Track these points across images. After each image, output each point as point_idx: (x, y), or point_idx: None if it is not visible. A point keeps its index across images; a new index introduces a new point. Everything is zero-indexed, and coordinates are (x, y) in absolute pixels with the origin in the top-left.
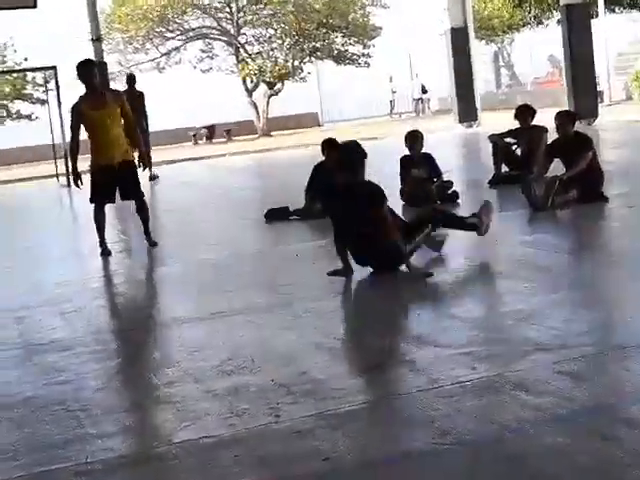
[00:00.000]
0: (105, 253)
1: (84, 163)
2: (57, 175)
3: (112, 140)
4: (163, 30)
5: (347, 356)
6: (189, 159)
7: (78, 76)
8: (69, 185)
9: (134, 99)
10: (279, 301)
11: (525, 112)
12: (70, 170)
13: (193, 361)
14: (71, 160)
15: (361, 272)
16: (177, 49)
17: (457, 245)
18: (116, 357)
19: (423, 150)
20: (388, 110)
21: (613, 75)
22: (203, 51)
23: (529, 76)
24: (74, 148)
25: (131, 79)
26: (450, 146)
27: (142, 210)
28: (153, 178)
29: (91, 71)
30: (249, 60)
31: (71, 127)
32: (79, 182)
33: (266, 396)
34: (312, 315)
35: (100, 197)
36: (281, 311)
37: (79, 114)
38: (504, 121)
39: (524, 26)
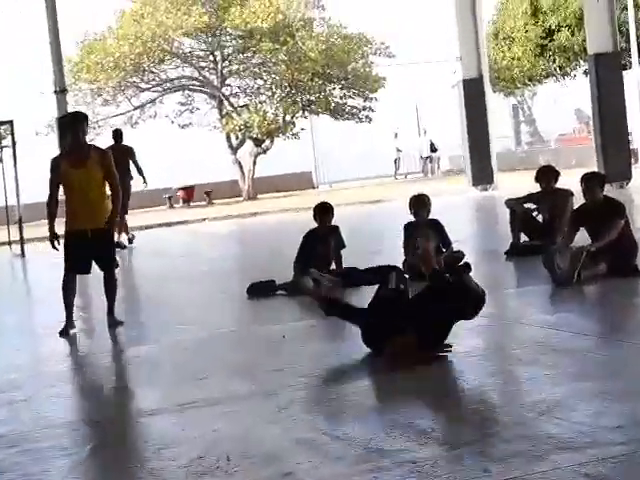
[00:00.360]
0: (65, 332)
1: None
2: (10, 243)
3: (90, 203)
4: (137, 80)
5: (338, 455)
6: (164, 224)
7: (67, 125)
8: (23, 255)
9: (121, 156)
10: (261, 390)
11: (548, 174)
12: (48, 230)
13: (159, 460)
14: (48, 219)
15: (360, 353)
16: (153, 101)
17: (470, 325)
18: (70, 455)
19: (430, 216)
20: (392, 170)
21: None
22: (182, 104)
23: (553, 133)
24: (52, 206)
25: (117, 135)
26: (462, 212)
27: (110, 284)
28: (130, 242)
29: (81, 124)
30: (234, 114)
31: (50, 183)
32: (56, 243)
33: None
34: (299, 406)
35: (73, 265)
36: (263, 401)
37: (58, 170)
38: (524, 184)
39: (547, 77)
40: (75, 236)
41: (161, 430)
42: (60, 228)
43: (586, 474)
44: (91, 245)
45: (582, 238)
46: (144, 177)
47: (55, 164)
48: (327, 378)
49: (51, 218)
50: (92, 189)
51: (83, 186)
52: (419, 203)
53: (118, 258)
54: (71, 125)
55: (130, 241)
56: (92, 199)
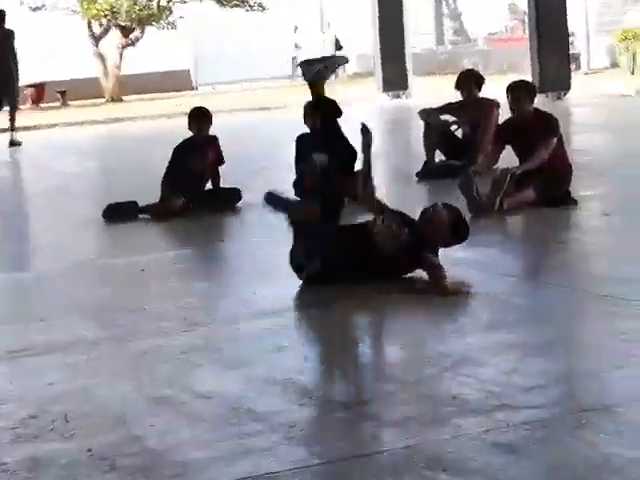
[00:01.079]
0: None
1: None
2: None
3: None
4: None
5: (200, 417)
6: (5, 129)
7: None
8: None
9: (3, 40)
10: (110, 335)
11: (470, 80)
12: None
13: None
14: None
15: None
16: None
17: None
18: None
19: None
20: (290, 71)
21: (594, 34)
22: None
23: (482, 30)
24: None
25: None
26: (369, 123)
27: None
28: (13, 144)
29: None
30: None
31: None
32: None
33: (79, 472)
34: (156, 356)
35: None
36: (112, 349)
37: None
38: (444, 91)
39: None
40: None
41: None
42: None
43: (493, 442)
44: None
45: (508, 158)
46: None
47: None
48: (192, 322)
49: None
50: None
51: None
52: (315, 111)
53: None
54: None
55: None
56: None
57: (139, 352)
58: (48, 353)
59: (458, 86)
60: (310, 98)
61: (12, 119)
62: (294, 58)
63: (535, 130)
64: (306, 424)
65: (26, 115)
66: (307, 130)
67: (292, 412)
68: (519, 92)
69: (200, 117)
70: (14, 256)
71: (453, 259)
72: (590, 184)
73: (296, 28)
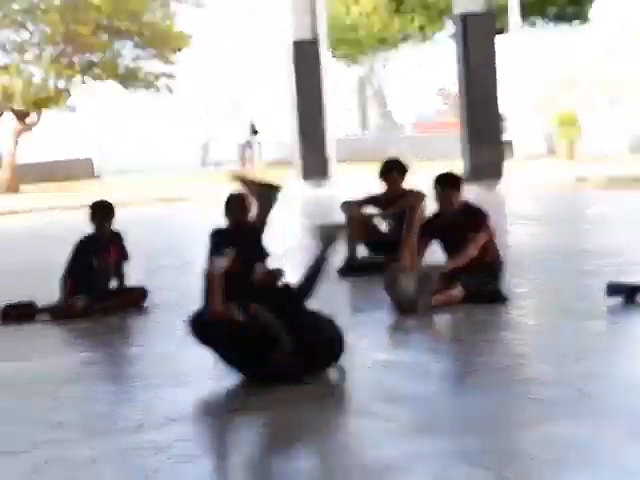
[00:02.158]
0: None
1: None
2: None
3: None
4: None
5: None
6: None
7: None
8: None
9: None
10: (9, 447)
11: (393, 170)
12: None
13: None
14: None
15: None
16: None
17: None
18: None
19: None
20: (200, 157)
21: (531, 116)
22: None
23: (410, 115)
24: None
25: None
26: (288, 214)
27: None
28: None
29: None
30: None
31: None
32: None
33: None
34: (58, 469)
35: None
36: (10, 462)
37: None
38: (371, 179)
39: (405, 40)
40: None
41: None
42: None
43: None
44: None
45: (435, 254)
46: None
47: None
48: (98, 431)
49: None
50: None
51: None
52: (235, 202)
53: None
54: None
55: None
56: None
57: (40, 463)
58: None
59: (381, 176)
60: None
61: None
62: (205, 145)
63: (463, 226)
64: None
65: None
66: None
67: None
68: (445, 186)
69: (102, 211)
70: None
71: (374, 360)
72: (522, 280)
73: (207, 110)
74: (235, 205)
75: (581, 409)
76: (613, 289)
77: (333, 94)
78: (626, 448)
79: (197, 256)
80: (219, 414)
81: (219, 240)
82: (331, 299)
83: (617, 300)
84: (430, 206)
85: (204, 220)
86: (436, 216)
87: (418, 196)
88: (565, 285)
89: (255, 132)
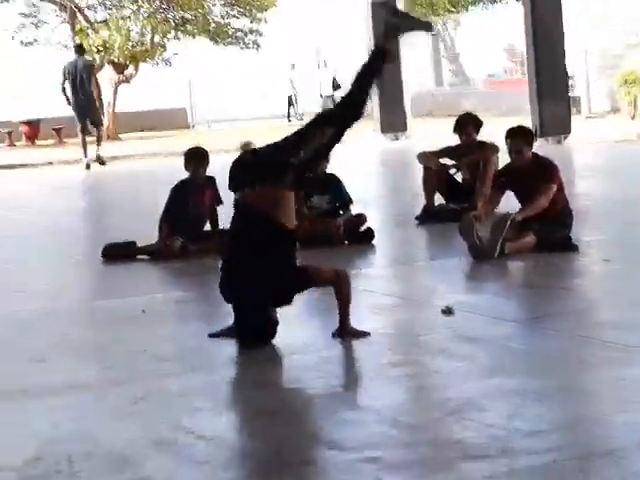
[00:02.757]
0: None
1: None
2: None
3: None
4: None
5: (204, 460)
6: (3, 167)
7: None
8: None
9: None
10: (113, 376)
11: (468, 124)
12: None
13: None
14: None
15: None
16: None
17: (364, 303)
18: None
19: (328, 170)
20: (285, 109)
21: (595, 77)
22: (25, 15)
23: (481, 72)
24: None
25: None
26: (366, 166)
27: None
28: (101, 162)
29: None
30: (90, 31)
31: None
32: None
33: None
34: (157, 399)
35: None
36: (115, 391)
37: None
38: (443, 133)
39: (474, 4)
40: None
41: None
42: None
43: None
44: None
45: (509, 202)
46: None
47: None
48: (194, 364)
49: None
50: None
51: None
52: None
53: None
54: None
55: None
56: None
57: (141, 393)
58: (49, 395)
59: (456, 130)
60: None
61: (98, 138)
62: (290, 97)
63: (534, 177)
64: (310, 466)
65: (22, 151)
66: None
67: (299, 454)
68: (518, 139)
69: (197, 158)
70: (12, 296)
71: (455, 303)
72: (591, 229)
73: (293, 66)
74: None
75: None
76: None
77: (409, 53)
78: None
79: None
80: (308, 352)
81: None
82: (410, 245)
83: None
84: (503, 158)
85: None
86: (508, 168)
87: (492, 148)
88: (631, 234)
89: (337, 87)
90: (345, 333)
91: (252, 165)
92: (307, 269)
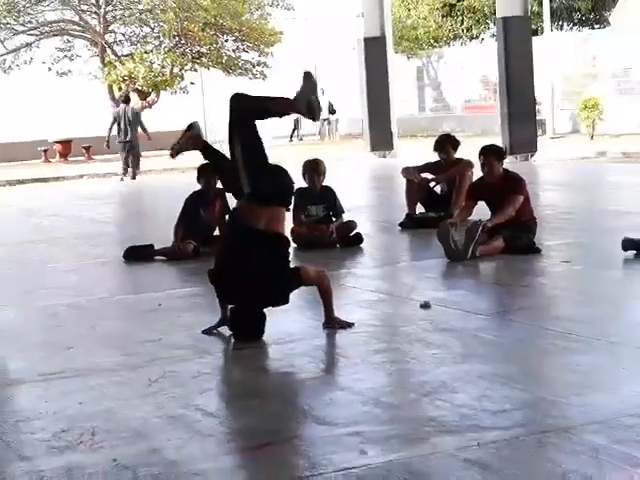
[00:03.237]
0: None
1: None
2: None
3: None
4: (11, 22)
5: (209, 433)
6: (39, 180)
7: None
8: None
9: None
10: (131, 362)
11: (446, 143)
12: None
13: (17, 433)
14: None
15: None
16: (28, 46)
17: (352, 298)
18: None
19: (324, 183)
20: (289, 131)
21: (559, 102)
22: (61, 50)
23: (459, 99)
24: None
25: None
26: (358, 179)
27: None
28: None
29: None
30: (117, 63)
31: None
32: None
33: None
34: (170, 380)
35: None
36: (133, 374)
37: None
38: (425, 151)
39: (454, 39)
40: None
41: (21, 402)
42: None
43: (465, 459)
44: None
45: (480, 211)
46: None
47: None
48: (203, 351)
49: None
50: None
51: None
52: (314, 168)
53: None
54: None
55: None
56: None
57: (155, 376)
58: (76, 377)
59: (436, 148)
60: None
61: (135, 164)
62: (295, 120)
63: (504, 189)
64: (301, 440)
65: (55, 167)
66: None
67: (291, 430)
68: (490, 156)
69: (209, 172)
70: (46, 292)
71: (432, 298)
72: (553, 235)
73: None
74: (308, 169)
75: (600, 343)
76: (628, 244)
77: (396, 81)
78: (638, 376)
79: None
80: (300, 341)
81: (301, 196)
82: (393, 248)
83: (631, 253)
84: (477, 173)
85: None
86: (481, 181)
87: (467, 164)
88: (589, 239)
89: (333, 111)
90: (331, 323)
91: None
92: (299, 270)
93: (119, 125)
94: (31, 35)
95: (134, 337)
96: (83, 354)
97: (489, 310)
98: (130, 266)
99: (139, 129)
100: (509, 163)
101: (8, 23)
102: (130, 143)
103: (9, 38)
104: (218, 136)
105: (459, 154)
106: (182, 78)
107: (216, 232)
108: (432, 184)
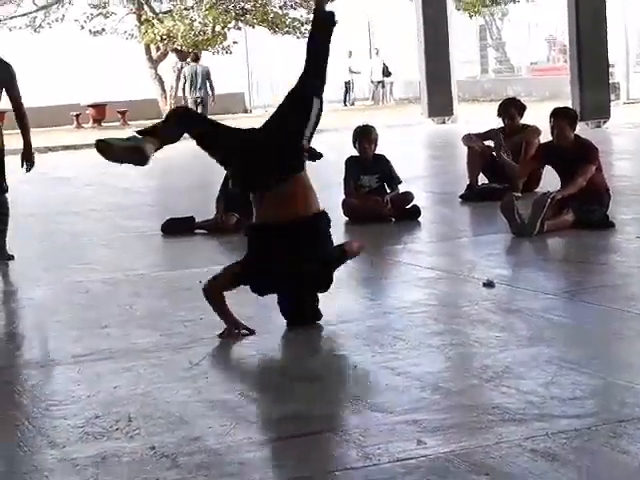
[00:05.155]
0: None
1: None
2: None
3: None
4: None
5: (254, 420)
6: (70, 147)
7: None
8: None
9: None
10: (170, 342)
11: (512, 108)
12: None
13: (49, 418)
14: None
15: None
16: (60, 2)
17: (409, 276)
18: None
19: (377, 151)
20: (341, 95)
21: (633, 65)
22: (94, 6)
23: (525, 60)
24: None
25: None
26: (414, 146)
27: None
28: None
29: None
30: (155, 21)
31: None
32: None
33: (143, 469)
34: (213, 363)
35: None
36: (172, 356)
37: None
38: (488, 117)
39: None
40: None
41: (53, 384)
42: None
43: (532, 449)
44: None
45: (549, 182)
46: None
47: None
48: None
49: None
50: None
51: None
52: (365, 135)
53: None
54: None
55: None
56: None
57: (196, 359)
58: (111, 359)
59: (500, 114)
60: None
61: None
62: (347, 82)
63: (575, 157)
64: (354, 428)
65: (88, 133)
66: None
67: (343, 417)
68: (561, 120)
69: None
70: (79, 267)
71: (495, 276)
72: (627, 208)
73: (350, 53)
74: (360, 136)
75: None
76: None
77: (456, 41)
78: None
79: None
80: (353, 321)
81: (352, 165)
82: (454, 222)
83: None
84: (544, 140)
85: (344, 148)
86: (551, 145)
87: (533, 131)
88: None
89: (388, 73)
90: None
91: (268, 165)
92: (344, 248)
93: (191, 83)
94: None
95: (173, 316)
96: (118, 334)
97: (558, 290)
98: (169, 240)
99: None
100: (580, 130)
101: None
102: (202, 100)
103: None
104: (264, 100)
105: (525, 120)
106: (225, 37)
107: None
108: (495, 152)
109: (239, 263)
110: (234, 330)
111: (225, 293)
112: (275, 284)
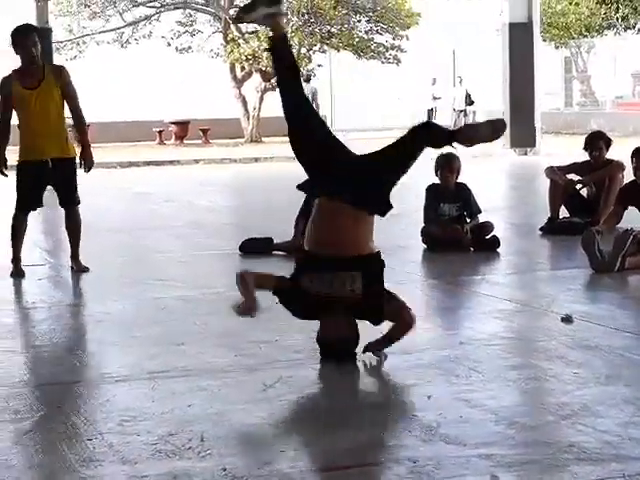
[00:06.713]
0: (18, 274)
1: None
2: None
3: (47, 129)
4: None
5: (327, 446)
6: (152, 163)
7: (13, 45)
8: None
9: None
10: (246, 363)
11: (598, 141)
12: None
13: (122, 434)
14: None
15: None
16: (148, 19)
17: (486, 307)
18: (20, 420)
19: (458, 180)
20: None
21: None
22: (182, 24)
23: (610, 94)
24: (2, 130)
25: None
26: (495, 177)
27: (72, 221)
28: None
29: (29, 38)
30: (241, 41)
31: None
32: (3, 169)
33: None
34: (287, 386)
35: (26, 201)
36: (247, 377)
37: (8, 91)
38: (570, 150)
39: (608, 28)
40: (31, 168)
41: (127, 400)
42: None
43: None
44: (51, 177)
45: (632, 219)
46: None
47: (6, 83)
48: (315, 352)
49: (1, 142)
50: (51, 111)
51: (41, 108)
52: (447, 163)
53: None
54: (21, 40)
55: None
56: (52, 122)
57: (271, 380)
58: (186, 377)
59: (586, 147)
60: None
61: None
62: (430, 110)
63: None
64: (427, 460)
65: (171, 149)
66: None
67: (415, 447)
68: None
69: None
70: (157, 283)
71: (574, 312)
72: None
73: (434, 80)
74: (442, 164)
75: None
76: None
77: (541, 72)
78: None
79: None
80: (426, 350)
81: (433, 193)
82: (533, 254)
83: None
84: (628, 177)
85: (425, 176)
86: (633, 184)
87: (618, 166)
88: None
89: (471, 102)
90: (374, 348)
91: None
92: (398, 300)
93: None
94: (151, 7)
95: (249, 336)
96: (194, 352)
97: (637, 328)
98: (246, 260)
99: None
100: None
101: None
102: None
103: (128, 10)
104: (345, 125)
105: (609, 155)
106: (310, 60)
107: None
108: (578, 186)
109: (283, 277)
110: (248, 310)
111: None
112: (304, 313)
